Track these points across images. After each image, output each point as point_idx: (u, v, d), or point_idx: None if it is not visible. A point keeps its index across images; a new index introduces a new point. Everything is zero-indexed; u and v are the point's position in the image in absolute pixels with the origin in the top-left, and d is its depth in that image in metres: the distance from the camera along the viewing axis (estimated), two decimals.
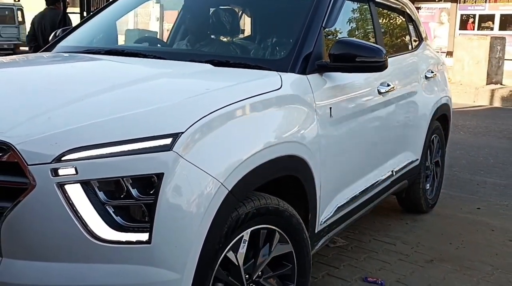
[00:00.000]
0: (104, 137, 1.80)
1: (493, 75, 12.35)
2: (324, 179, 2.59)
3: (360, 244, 3.71)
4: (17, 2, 20.21)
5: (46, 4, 7.57)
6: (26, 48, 17.46)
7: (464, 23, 18.78)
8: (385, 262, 3.43)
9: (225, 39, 3.43)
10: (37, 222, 1.74)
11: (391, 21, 4.19)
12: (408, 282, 3.17)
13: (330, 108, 2.66)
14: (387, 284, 3.14)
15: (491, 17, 18.17)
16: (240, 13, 3.60)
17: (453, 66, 12.55)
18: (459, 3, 18.75)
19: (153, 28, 14.80)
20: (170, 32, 3.95)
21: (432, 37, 18.30)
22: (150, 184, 1.78)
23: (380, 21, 3.74)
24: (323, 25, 2.80)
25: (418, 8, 17.66)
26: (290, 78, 2.51)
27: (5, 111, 1.98)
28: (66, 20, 7.47)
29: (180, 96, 2.13)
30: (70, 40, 3.33)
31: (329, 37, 2.95)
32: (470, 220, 4.31)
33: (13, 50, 18.37)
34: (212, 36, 3.44)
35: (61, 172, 1.72)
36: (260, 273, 2.22)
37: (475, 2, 18.51)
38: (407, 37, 4.28)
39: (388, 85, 3.29)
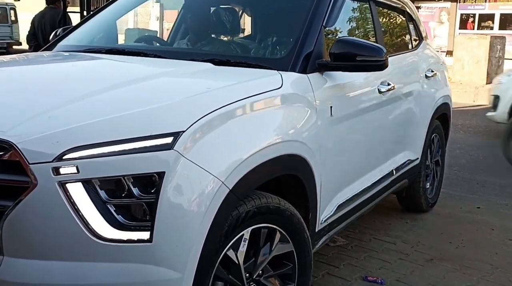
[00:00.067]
0: (105, 136, 1.80)
1: (493, 75, 12.31)
2: (324, 177, 2.60)
3: (360, 243, 3.72)
4: (10, 1, 20.21)
5: (46, 3, 7.58)
6: (19, 47, 17.51)
7: (464, 23, 18.77)
8: (385, 261, 3.44)
9: (225, 38, 3.44)
10: (39, 221, 1.74)
11: (392, 20, 4.19)
12: (408, 281, 3.17)
13: (331, 107, 2.66)
14: (387, 283, 3.14)
15: (491, 17, 18.16)
16: (240, 12, 3.61)
17: (453, 66, 12.55)
18: (459, 2, 18.74)
19: (153, 28, 14.80)
20: (171, 31, 3.95)
21: (432, 37, 18.28)
22: (151, 183, 1.78)
23: (381, 20, 3.74)
24: (324, 24, 2.80)
25: (418, 8, 17.64)
26: (291, 77, 2.52)
27: (6, 110, 1.98)
28: (66, 19, 7.48)
29: (181, 95, 2.14)
30: (71, 39, 3.33)
31: (329, 36, 2.96)
32: (470, 219, 4.31)
33: (6, 49, 18.36)
34: (213, 35, 3.44)
35: (62, 170, 1.72)
36: (260, 272, 2.22)
37: (475, 1, 18.50)
38: (407, 37, 4.28)
39: (389, 84, 3.30)
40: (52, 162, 1.72)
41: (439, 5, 19.15)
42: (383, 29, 3.76)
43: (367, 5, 3.49)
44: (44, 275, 1.77)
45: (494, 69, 12.40)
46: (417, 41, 4.39)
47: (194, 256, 1.85)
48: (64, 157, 1.73)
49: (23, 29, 20.68)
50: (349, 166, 2.99)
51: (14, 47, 18.27)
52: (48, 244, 1.77)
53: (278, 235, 2.25)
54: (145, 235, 1.77)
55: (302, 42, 2.68)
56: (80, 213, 1.72)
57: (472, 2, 18.58)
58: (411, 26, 4.33)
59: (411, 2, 4.42)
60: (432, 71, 4.25)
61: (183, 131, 1.86)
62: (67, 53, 3.14)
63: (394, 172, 3.59)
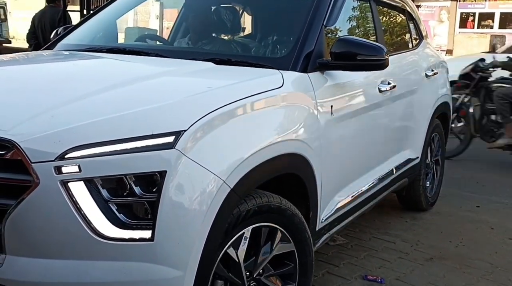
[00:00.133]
0: (107, 135, 1.81)
1: None
2: (325, 177, 2.60)
3: (360, 242, 3.72)
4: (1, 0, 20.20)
5: (47, 2, 7.58)
6: (9, 45, 17.45)
7: (464, 21, 18.76)
8: (385, 260, 3.45)
9: (226, 38, 3.44)
10: (41, 220, 1.75)
11: (392, 19, 4.19)
12: (408, 280, 3.18)
13: (331, 106, 2.67)
14: (387, 282, 3.15)
15: (491, 15, 18.16)
16: (241, 11, 3.61)
17: None
18: (459, 1, 18.73)
19: (153, 26, 14.80)
20: (171, 30, 3.95)
21: (432, 36, 18.27)
22: (153, 182, 1.79)
23: (381, 19, 3.75)
24: (324, 23, 2.81)
25: (418, 6, 17.63)
26: (292, 77, 2.52)
27: (8, 109, 1.98)
28: (66, 18, 7.47)
29: (182, 95, 2.14)
30: (72, 38, 3.33)
31: (330, 35, 2.96)
32: (470, 218, 4.32)
33: None
34: (214, 35, 3.45)
35: (64, 169, 1.73)
36: (261, 271, 2.23)
37: (475, 0, 18.51)
38: (408, 36, 4.29)
39: (389, 83, 3.30)
40: (54, 160, 1.73)
41: (439, 3, 19.14)
42: (383, 28, 3.76)
43: (368, 4, 3.50)
44: (46, 273, 1.78)
45: None
46: (417, 40, 4.39)
47: (196, 255, 1.86)
48: (66, 156, 1.74)
49: (20, 27, 20.68)
50: (349, 164, 3.00)
51: (4, 45, 18.19)
52: (50, 242, 1.78)
53: (279, 234, 2.26)
54: (147, 233, 1.77)
55: (303, 41, 2.68)
56: (82, 212, 1.73)
57: (472, 1, 18.57)
58: (411, 25, 4.34)
59: (411, 1, 4.42)
60: (432, 70, 4.26)
61: (185, 131, 1.86)
62: (68, 52, 3.14)
63: (394, 170, 3.60)
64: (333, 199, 2.83)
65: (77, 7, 9.25)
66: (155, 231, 1.77)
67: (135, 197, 1.78)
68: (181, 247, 1.82)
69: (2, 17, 20.03)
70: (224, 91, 2.25)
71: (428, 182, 4.41)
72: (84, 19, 3.69)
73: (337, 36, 3.00)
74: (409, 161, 3.86)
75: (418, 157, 4.02)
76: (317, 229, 2.66)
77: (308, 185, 2.48)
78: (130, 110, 1.94)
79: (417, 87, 3.92)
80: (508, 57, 6.28)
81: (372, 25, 3.51)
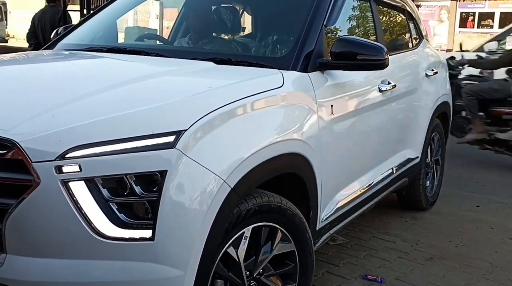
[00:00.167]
0: (108, 135, 1.81)
1: None
2: (325, 176, 2.61)
3: (360, 241, 3.73)
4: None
5: (47, 1, 7.58)
6: (5, 44, 17.41)
7: (464, 21, 18.77)
8: (384, 259, 3.45)
9: (226, 37, 3.44)
10: (41, 219, 1.75)
11: (392, 19, 4.19)
12: (407, 280, 3.18)
13: (332, 106, 2.67)
14: (386, 281, 3.15)
15: (491, 15, 18.16)
16: (241, 11, 3.61)
17: None
18: (459, 1, 18.74)
19: (153, 26, 14.79)
20: (171, 30, 3.96)
21: (432, 35, 18.27)
22: (154, 181, 1.79)
23: (381, 19, 3.75)
24: (325, 23, 2.81)
25: (417, 6, 17.62)
26: (292, 76, 2.52)
27: (8, 109, 1.99)
28: (66, 18, 7.47)
29: (183, 94, 2.14)
30: (72, 38, 3.33)
31: (330, 35, 2.96)
32: (469, 218, 4.32)
33: None
34: (214, 34, 3.45)
35: (65, 169, 1.73)
36: (261, 270, 2.23)
37: (475, 0, 18.51)
38: (408, 35, 4.29)
39: (389, 83, 3.31)
40: (55, 160, 1.73)
41: (439, 3, 19.15)
42: (383, 28, 3.77)
43: (368, 4, 3.50)
44: (46, 272, 1.79)
45: None
46: (417, 40, 4.40)
47: (196, 254, 1.86)
48: (66, 156, 1.74)
49: (20, 26, 20.66)
50: (349, 164, 3.00)
51: (1, 44, 18.18)
52: (50, 242, 1.78)
53: (279, 234, 2.26)
54: (147, 233, 1.78)
55: (303, 41, 2.68)
56: (83, 211, 1.73)
57: (472, 1, 18.58)
58: (411, 25, 4.34)
59: (411, 1, 4.43)
60: (432, 70, 4.26)
61: (185, 130, 1.86)
62: (68, 52, 3.14)
63: (395, 170, 3.60)
64: (333, 199, 2.83)
65: (77, 7, 9.25)
66: (156, 230, 1.77)
67: (135, 196, 1.78)
68: (182, 246, 1.83)
69: None
70: (225, 91, 2.25)
71: (428, 182, 4.42)
72: (84, 18, 3.69)
73: (337, 36, 3.00)
74: (409, 160, 3.86)
75: (418, 157, 4.03)
76: (317, 229, 2.66)
77: (309, 184, 2.48)
78: (130, 110, 1.95)
79: (417, 87, 3.92)
80: (477, 55, 6.48)
81: (372, 25, 3.51)
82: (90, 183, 1.75)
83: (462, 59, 6.42)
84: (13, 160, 1.76)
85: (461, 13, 18.82)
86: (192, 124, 1.89)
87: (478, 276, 3.28)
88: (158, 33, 6.91)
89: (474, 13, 18.55)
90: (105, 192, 1.76)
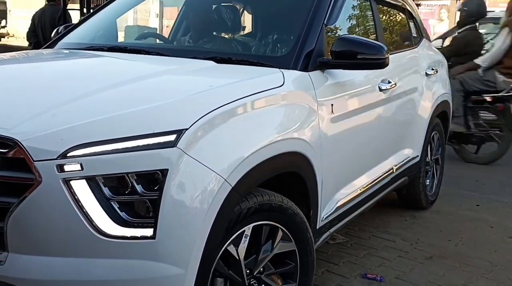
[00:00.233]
0: (109, 134, 1.81)
1: None
2: (325, 175, 2.61)
3: (360, 240, 3.73)
4: None
5: (47, 0, 7.57)
6: (5, 43, 17.37)
7: None
8: (384, 258, 3.45)
9: (227, 36, 3.44)
10: (43, 218, 1.75)
11: (392, 18, 4.20)
12: (407, 279, 3.19)
13: (332, 105, 2.67)
14: (386, 280, 3.15)
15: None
16: (241, 10, 3.61)
17: None
18: (459, 0, 18.73)
19: (153, 25, 14.78)
20: (172, 29, 3.96)
21: (432, 34, 18.25)
22: (155, 180, 1.79)
23: (381, 18, 3.75)
24: (325, 22, 2.81)
25: (417, 5, 17.60)
26: (292, 75, 2.53)
27: (10, 108, 1.99)
28: (66, 17, 7.47)
29: (183, 93, 2.15)
30: (72, 37, 3.33)
31: (330, 34, 2.97)
32: (469, 217, 4.33)
33: None
34: (214, 33, 3.45)
35: (66, 168, 1.74)
36: (261, 269, 2.24)
37: None
38: (408, 34, 4.29)
39: (389, 82, 3.31)
40: (56, 159, 1.74)
41: (439, 2, 19.13)
42: (383, 27, 3.77)
43: (368, 3, 3.50)
44: (48, 271, 1.79)
45: None
46: (418, 39, 4.40)
47: (197, 253, 1.86)
48: (68, 154, 1.75)
49: (20, 25, 20.64)
50: (350, 163, 3.01)
51: (1, 43, 18.15)
52: (52, 240, 1.78)
53: (280, 233, 2.27)
54: (149, 231, 1.78)
55: (304, 40, 2.69)
56: (84, 210, 1.74)
57: None
58: (411, 24, 4.34)
59: (411, 0, 4.43)
60: (432, 69, 4.27)
61: (186, 129, 1.87)
62: (68, 51, 3.14)
63: (395, 169, 3.60)
64: (334, 197, 2.83)
65: (77, 6, 9.27)
66: (157, 229, 1.78)
67: (136, 195, 1.78)
68: (183, 245, 1.83)
69: None
70: (225, 90, 2.25)
71: (428, 181, 4.42)
72: (84, 18, 3.70)
73: (337, 35, 3.00)
74: (409, 159, 3.87)
75: (418, 155, 4.03)
76: (317, 228, 2.66)
77: (309, 183, 2.49)
78: (131, 109, 1.95)
79: (417, 86, 3.93)
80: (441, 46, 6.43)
81: (373, 24, 3.51)
82: (92, 181, 1.75)
83: None
84: (14, 159, 1.76)
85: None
86: (193, 123, 1.90)
87: (478, 275, 3.28)
88: (158, 32, 6.91)
89: None
90: (106, 190, 1.77)
